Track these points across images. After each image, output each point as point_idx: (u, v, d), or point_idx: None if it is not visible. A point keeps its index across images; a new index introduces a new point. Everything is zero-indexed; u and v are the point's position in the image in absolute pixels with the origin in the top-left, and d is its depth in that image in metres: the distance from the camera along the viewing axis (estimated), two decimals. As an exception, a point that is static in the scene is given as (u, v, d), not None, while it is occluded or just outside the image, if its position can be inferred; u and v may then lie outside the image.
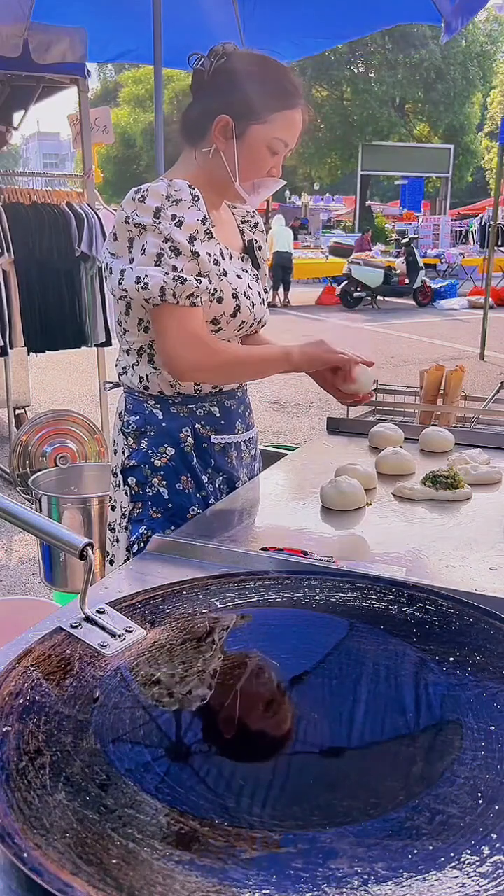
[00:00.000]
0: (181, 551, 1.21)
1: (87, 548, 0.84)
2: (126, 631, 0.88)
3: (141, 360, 1.48)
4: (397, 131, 28.87)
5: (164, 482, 1.48)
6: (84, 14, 4.25)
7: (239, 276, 1.48)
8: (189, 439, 1.49)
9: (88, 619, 0.89)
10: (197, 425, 1.50)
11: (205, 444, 1.51)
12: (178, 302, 1.34)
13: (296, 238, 17.22)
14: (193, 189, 1.37)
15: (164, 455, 1.48)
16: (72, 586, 2.66)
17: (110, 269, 1.40)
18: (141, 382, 1.48)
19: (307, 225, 23.73)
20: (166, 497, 1.48)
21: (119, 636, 0.87)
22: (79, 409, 4.76)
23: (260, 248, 1.61)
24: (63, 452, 4.13)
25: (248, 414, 1.63)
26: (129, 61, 5.34)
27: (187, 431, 1.49)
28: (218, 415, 1.52)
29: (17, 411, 5.28)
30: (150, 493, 1.48)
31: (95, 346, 4.34)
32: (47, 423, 4.21)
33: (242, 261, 1.53)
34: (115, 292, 1.41)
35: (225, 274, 1.43)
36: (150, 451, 1.48)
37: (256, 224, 1.63)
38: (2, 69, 4.13)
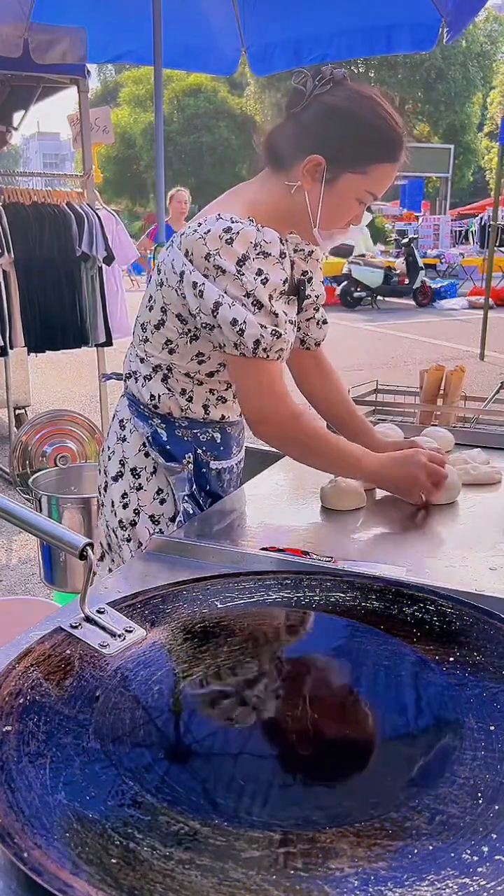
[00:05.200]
0: (181, 551, 1.21)
1: (87, 548, 0.84)
2: (126, 631, 0.88)
3: (155, 376, 1.43)
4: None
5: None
6: (84, 14, 4.25)
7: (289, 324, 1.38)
8: (190, 465, 1.47)
9: (88, 619, 0.89)
10: (199, 450, 1.47)
11: (203, 470, 1.48)
12: (267, 356, 1.29)
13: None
14: (284, 244, 1.30)
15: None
16: (72, 586, 2.66)
17: (201, 291, 1.26)
18: (151, 400, 1.44)
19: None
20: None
21: (119, 636, 0.87)
22: (79, 409, 4.77)
23: (311, 279, 1.51)
24: (63, 452, 4.13)
25: (242, 435, 1.60)
26: (129, 62, 5.33)
27: (189, 458, 1.47)
28: (219, 440, 1.50)
29: (17, 411, 5.28)
30: (165, 514, 1.48)
31: (95, 346, 4.34)
32: (47, 423, 4.21)
33: (288, 303, 1.36)
34: (193, 310, 1.29)
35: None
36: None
37: (311, 252, 1.50)
38: (2, 69, 4.13)
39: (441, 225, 19.08)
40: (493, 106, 27.99)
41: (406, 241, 14.58)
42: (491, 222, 9.77)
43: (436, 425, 1.90)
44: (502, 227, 9.16)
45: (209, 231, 1.26)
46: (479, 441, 1.81)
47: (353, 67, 28.33)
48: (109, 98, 30.82)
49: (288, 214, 1.36)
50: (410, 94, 27.98)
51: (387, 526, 1.38)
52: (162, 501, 1.48)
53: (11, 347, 4.11)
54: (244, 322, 1.26)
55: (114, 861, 0.56)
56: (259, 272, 1.26)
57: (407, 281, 13.82)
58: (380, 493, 1.51)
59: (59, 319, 4.15)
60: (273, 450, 1.47)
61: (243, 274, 1.25)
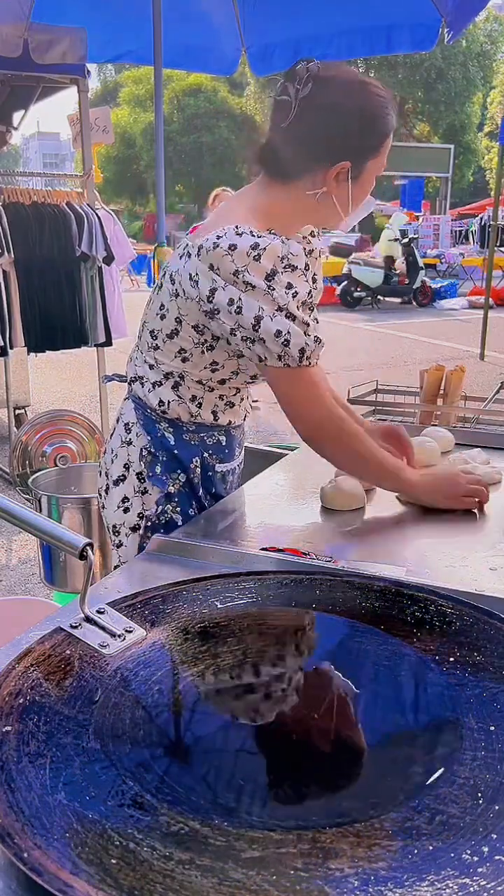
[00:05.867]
0: (181, 551, 1.21)
1: (87, 548, 0.84)
2: (126, 631, 0.88)
3: (166, 383, 1.42)
4: (397, 131, 28.82)
5: (178, 509, 1.47)
6: (84, 14, 4.25)
7: None
8: (198, 469, 1.47)
9: (88, 619, 0.89)
10: (205, 454, 1.47)
11: (209, 473, 1.49)
12: (310, 364, 1.29)
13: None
14: (308, 256, 1.31)
15: (177, 481, 1.46)
16: (72, 586, 2.66)
17: (239, 308, 1.24)
18: (160, 406, 1.43)
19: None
20: (180, 524, 1.45)
21: (119, 636, 0.87)
22: (79, 409, 4.77)
23: (313, 277, 1.50)
24: (63, 452, 4.13)
25: (243, 436, 1.60)
26: (129, 62, 5.33)
27: (197, 461, 1.46)
28: (224, 443, 1.50)
29: (17, 411, 5.28)
30: (164, 521, 1.47)
31: (95, 346, 4.34)
32: (47, 423, 4.21)
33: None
34: (231, 327, 1.27)
35: None
36: (164, 478, 1.46)
37: (312, 251, 1.48)
38: (2, 69, 4.13)
39: (441, 225, 19.05)
40: (493, 106, 27.99)
41: (406, 241, 14.57)
42: (491, 222, 9.77)
43: (436, 425, 1.90)
44: (502, 227, 9.16)
45: (235, 246, 1.24)
46: (479, 441, 1.81)
47: (353, 67, 28.35)
48: (109, 98, 30.83)
49: (297, 216, 1.36)
50: (410, 94, 27.99)
51: (387, 526, 1.38)
52: (170, 518, 1.47)
53: (11, 347, 4.11)
54: (288, 332, 1.25)
55: (114, 861, 0.56)
56: (289, 286, 1.26)
57: (407, 281, 13.82)
58: (380, 493, 1.51)
59: (59, 319, 4.15)
60: (274, 449, 1.47)
61: (273, 289, 1.25)
